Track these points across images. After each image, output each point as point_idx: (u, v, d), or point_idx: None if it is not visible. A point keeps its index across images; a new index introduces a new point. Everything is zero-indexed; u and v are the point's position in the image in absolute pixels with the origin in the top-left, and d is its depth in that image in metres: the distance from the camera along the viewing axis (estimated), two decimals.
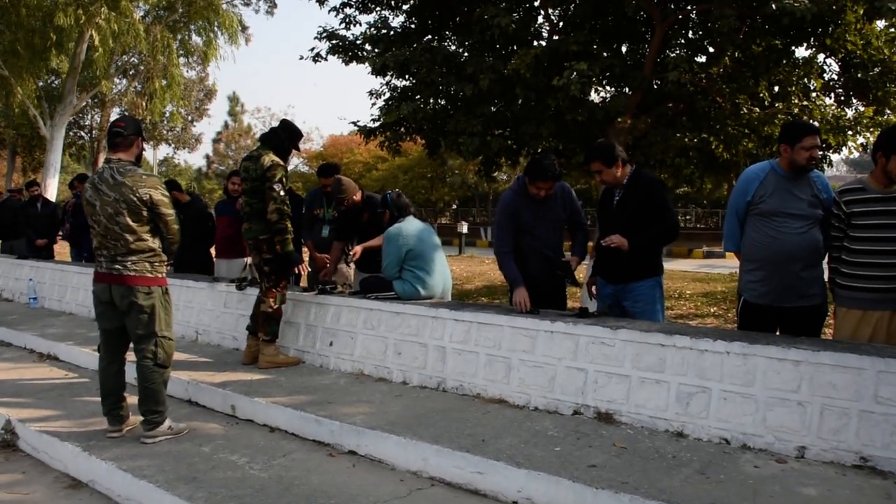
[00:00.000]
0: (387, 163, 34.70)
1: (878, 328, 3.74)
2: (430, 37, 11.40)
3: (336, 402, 4.36)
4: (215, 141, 56.76)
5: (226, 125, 57.62)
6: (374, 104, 11.38)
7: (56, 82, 24.16)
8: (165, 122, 28.96)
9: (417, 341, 4.81)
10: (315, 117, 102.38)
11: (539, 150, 10.60)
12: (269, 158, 5.06)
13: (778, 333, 4.00)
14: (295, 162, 37.70)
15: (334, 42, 10.60)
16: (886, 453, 3.13)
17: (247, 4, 21.74)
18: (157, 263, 4.05)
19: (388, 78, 11.01)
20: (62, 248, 11.26)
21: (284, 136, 5.24)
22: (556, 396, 4.12)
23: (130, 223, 3.92)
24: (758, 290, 4.04)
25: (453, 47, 11.14)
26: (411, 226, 5.18)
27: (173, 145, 32.87)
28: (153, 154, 44.69)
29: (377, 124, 11.18)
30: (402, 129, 11.09)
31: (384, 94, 11.51)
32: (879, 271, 3.68)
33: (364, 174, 35.99)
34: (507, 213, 4.78)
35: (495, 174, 11.80)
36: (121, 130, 4.04)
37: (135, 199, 3.91)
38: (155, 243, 4.04)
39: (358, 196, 5.82)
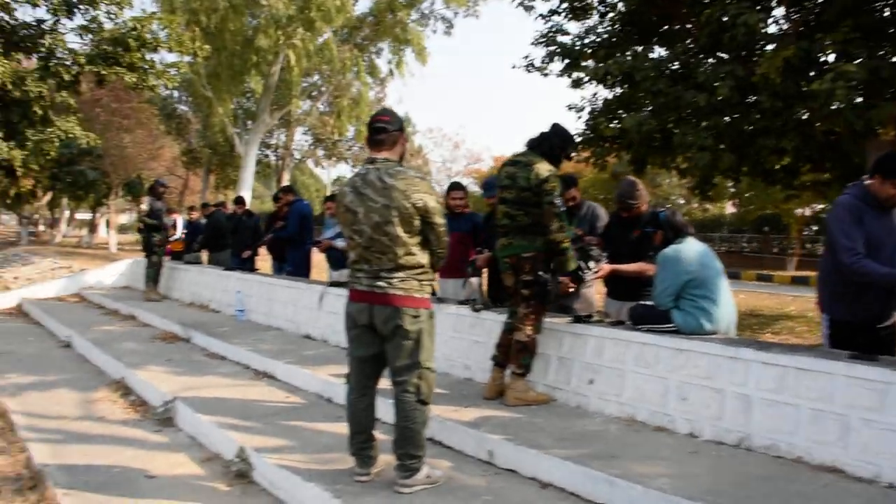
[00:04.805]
0: None
1: None
2: (639, 46, 10.55)
3: (620, 455, 3.57)
4: None
5: None
6: (579, 118, 10.60)
7: (249, 103, 25.47)
8: (345, 142, 29.86)
9: (710, 386, 3.92)
10: (484, 138, 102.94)
11: (776, 167, 9.43)
12: (546, 168, 4.38)
13: None
14: (466, 181, 37.27)
15: (552, 48, 9.96)
16: None
17: (424, 25, 21.87)
18: (425, 282, 3.44)
19: (591, 89, 10.30)
20: (262, 262, 11.36)
21: (556, 143, 4.56)
22: None
23: (401, 234, 3.33)
24: None
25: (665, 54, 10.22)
26: (691, 249, 4.31)
27: (351, 163, 33.73)
28: (327, 172, 46.58)
29: (581, 139, 10.45)
30: (607, 145, 10.28)
31: (585, 108, 10.80)
32: None
33: None
34: (852, 213, 3.78)
35: (710, 193, 10.66)
36: (385, 125, 3.45)
37: (408, 206, 3.31)
38: (424, 258, 3.43)
39: (645, 207, 5.02)
